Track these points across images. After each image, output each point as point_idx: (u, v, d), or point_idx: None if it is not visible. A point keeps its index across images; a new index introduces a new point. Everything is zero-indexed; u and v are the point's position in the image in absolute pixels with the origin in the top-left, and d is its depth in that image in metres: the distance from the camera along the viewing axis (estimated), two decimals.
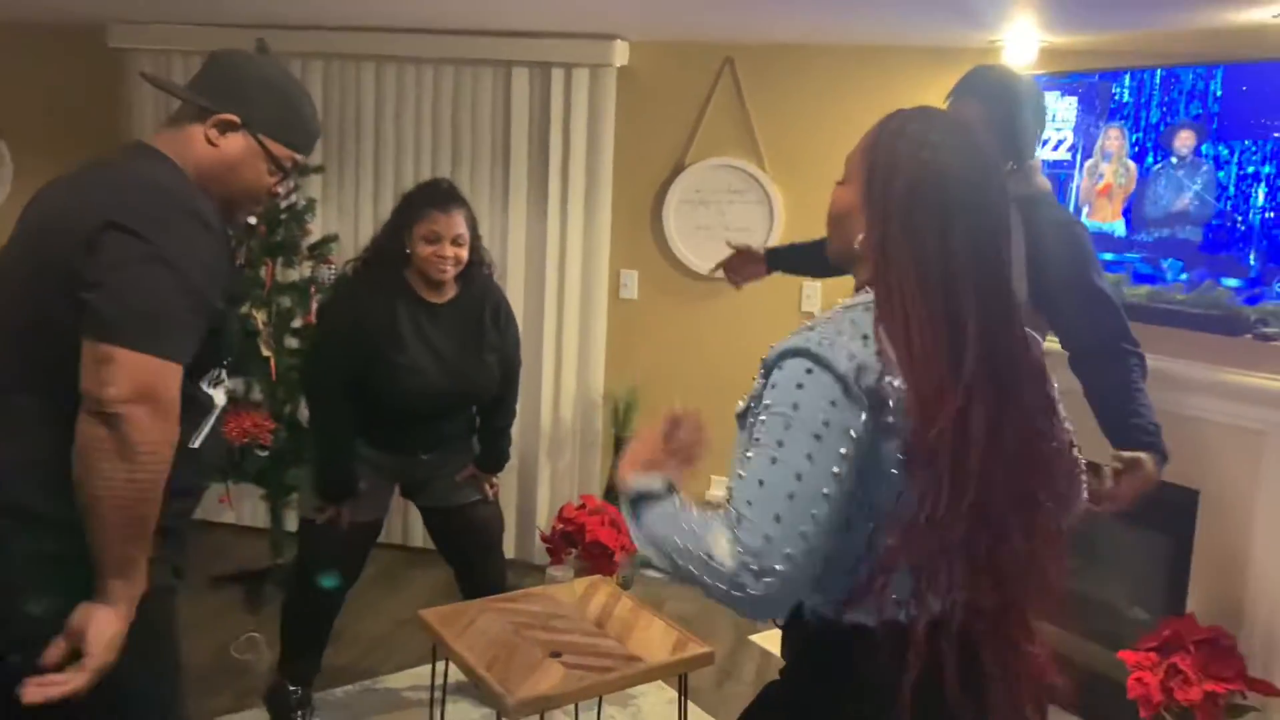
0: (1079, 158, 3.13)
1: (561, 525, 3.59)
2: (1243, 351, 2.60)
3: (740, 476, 1.15)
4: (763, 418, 1.16)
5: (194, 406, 1.45)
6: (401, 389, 2.50)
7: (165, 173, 1.44)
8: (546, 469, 3.96)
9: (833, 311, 1.25)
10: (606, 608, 2.12)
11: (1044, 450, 1.21)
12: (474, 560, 2.84)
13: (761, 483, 1.12)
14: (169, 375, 1.31)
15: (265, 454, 3.35)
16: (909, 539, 1.12)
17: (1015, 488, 1.16)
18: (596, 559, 3.53)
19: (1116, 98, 3.02)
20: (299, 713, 2.68)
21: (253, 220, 3.31)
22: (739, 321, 3.83)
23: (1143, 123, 2.95)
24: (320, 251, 3.50)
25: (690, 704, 2.75)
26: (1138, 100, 2.97)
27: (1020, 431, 1.17)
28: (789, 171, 3.72)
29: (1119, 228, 3.02)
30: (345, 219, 3.97)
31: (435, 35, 3.78)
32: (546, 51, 3.73)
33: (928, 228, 1.17)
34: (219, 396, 1.53)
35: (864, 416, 1.12)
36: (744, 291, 3.79)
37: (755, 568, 1.08)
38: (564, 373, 3.90)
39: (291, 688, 2.68)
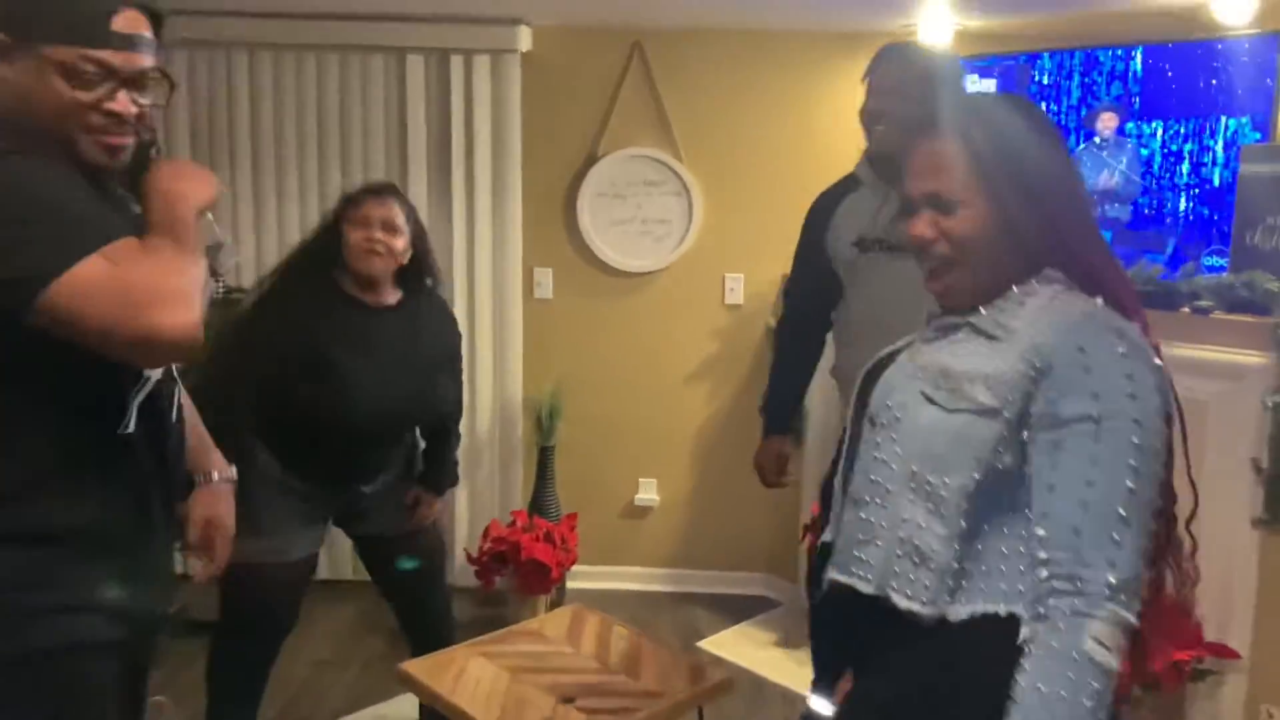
0: None
1: (491, 545, 3.37)
2: (1180, 325, 2.67)
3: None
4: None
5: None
6: (336, 411, 2.22)
7: None
8: (464, 484, 3.70)
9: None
10: (601, 639, 1.94)
11: None
12: (417, 592, 2.57)
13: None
14: None
15: None
16: None
17: None
18: (531, 577, 3.33)
19: (1036, 79, 3.06)
20: None
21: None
22: (661, 318, 3.70)
23: (1064, 104, 3.00)
24: None
25: None
26: (1058, 81, 3.01)
27: None
28: (705, 160, 3.60)
29: None
30: (220, 223, 3.57)
31: (318, 21, 3.45)
32: (444, 37, 3.47)
33: (1065, 177, 1.21)
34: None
35: None
36: (665, 286, 3.68)
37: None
38: (479, 380, 3.66)
39: None
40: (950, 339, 1.23)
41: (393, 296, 2.33)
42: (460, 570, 3.66)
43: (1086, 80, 2.94)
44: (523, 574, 3.31)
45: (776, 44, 3.54)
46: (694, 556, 3.79)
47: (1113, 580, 1.05)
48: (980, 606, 1.13)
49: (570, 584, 3.73)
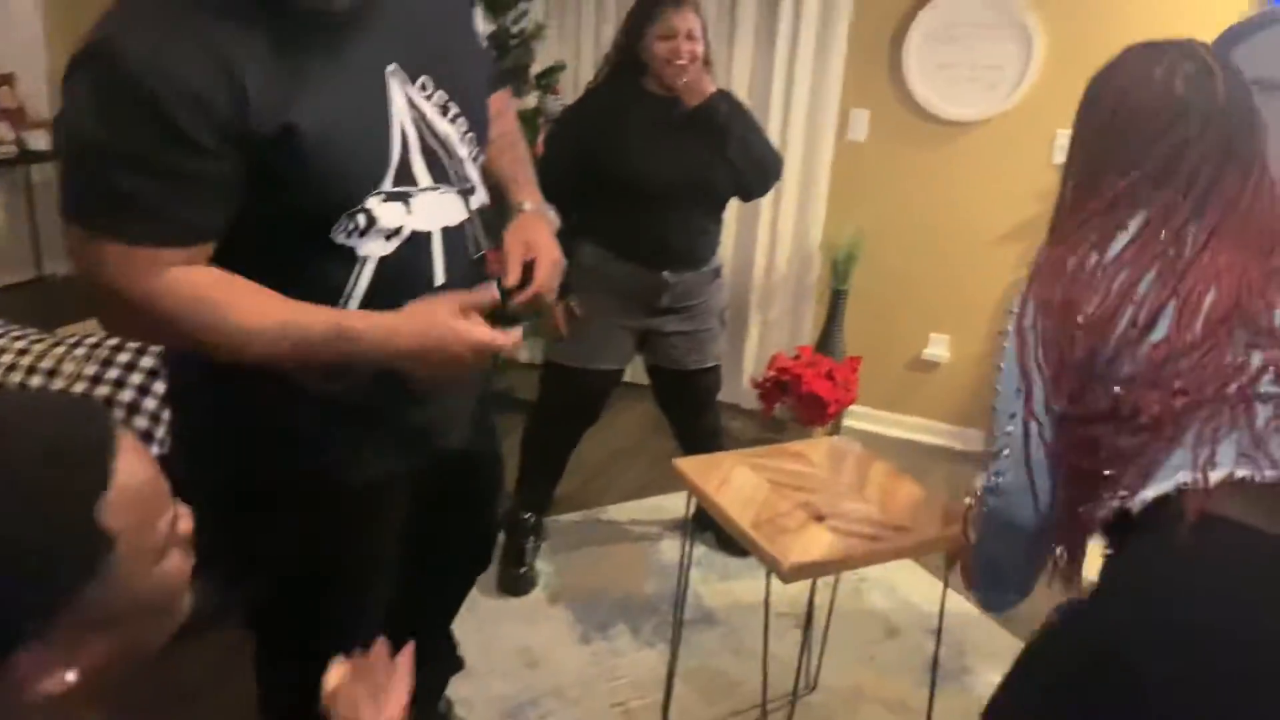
0: None
1: (775, 374, 3.56)
2: None
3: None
4: None
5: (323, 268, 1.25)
6: (631, 171, 2.47)
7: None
8: (756, 317, 3.89)
9: None
10: (860, 471, 2.06)
11: None
12: (692, 415, 2.85)
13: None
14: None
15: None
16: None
17: None
18: (809, 408, 3.50)
19: None
20: (531, 538, 2.81)
21: None
22: (981, 171, 3.55)
23: None
24: (547, 81, 3.41)
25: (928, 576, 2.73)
26: None
27: None
28: (1055, 3, 3.32)
29: None
30: (567, 45, 3.84)
31: None
32: None
33: None
34: (369, 246, 1.25)
35: None
36: (988, 137, 3.52)
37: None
38: (781, 218, 3.75)
39: (525, 515, 2.81)
40: None
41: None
42: (744, 393, 3.91)
43: None
44: (801, 404, 3.48)
45: None
46: (978, 416, 3.75)
47: None
48: None
49: (847, 423, 3.87)
